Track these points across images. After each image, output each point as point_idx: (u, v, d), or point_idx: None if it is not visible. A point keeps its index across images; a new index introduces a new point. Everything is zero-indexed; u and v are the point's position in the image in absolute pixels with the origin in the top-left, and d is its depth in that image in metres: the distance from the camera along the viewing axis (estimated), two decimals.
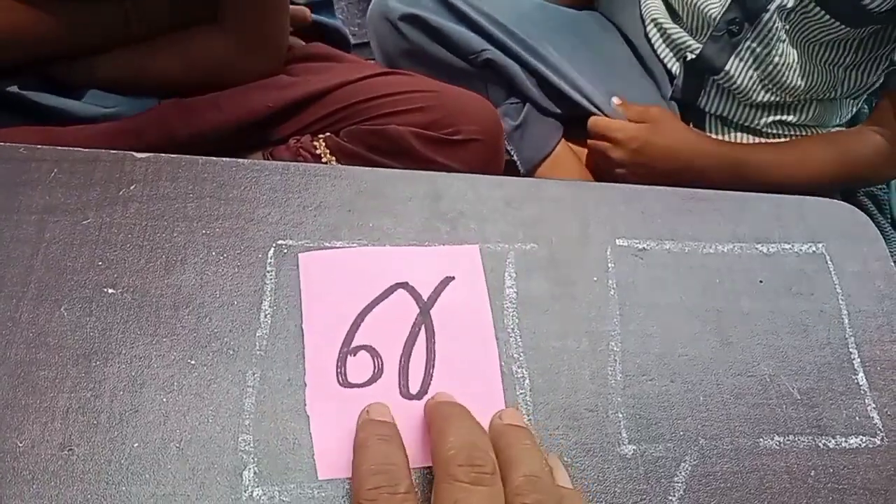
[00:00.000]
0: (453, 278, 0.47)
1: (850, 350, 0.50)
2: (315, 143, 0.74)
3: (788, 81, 0.79)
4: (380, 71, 0.77)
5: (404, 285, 0.46)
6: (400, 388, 0.43)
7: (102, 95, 0.75)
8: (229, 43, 0.67)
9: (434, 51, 0.86)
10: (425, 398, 0.43)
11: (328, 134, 0.74)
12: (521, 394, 0.45)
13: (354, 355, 0.44)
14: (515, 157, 0.86)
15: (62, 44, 0.67)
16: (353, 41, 0.98)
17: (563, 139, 0.89)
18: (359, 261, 0.47)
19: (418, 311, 0.46)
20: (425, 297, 0.46)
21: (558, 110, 0.87)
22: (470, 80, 0.86)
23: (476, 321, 0.46)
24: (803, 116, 0.84)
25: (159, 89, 0.73)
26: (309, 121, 0.75)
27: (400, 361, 0.44)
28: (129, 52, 0.69)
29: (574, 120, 0.89)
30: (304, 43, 0.80)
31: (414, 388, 0.44)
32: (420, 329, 0.45)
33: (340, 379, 0.43)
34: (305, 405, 0.42)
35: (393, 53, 0.90)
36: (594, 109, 0.85)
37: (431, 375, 0.44)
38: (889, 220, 0.96)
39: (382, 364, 0.44)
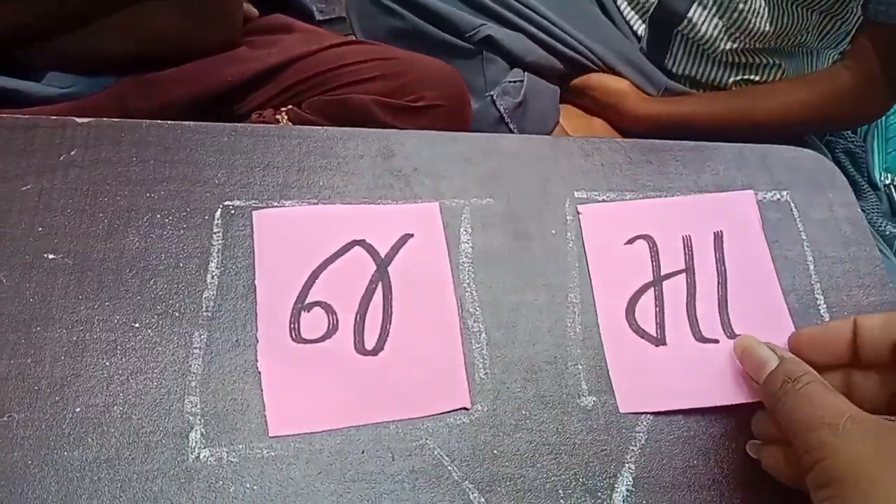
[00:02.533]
0: (412, 235, 0.46)
1: (816, 296, 0.49)
2: (277, 116, 0.73)
3: (755, 27, 0.77)
4: (340, 41, 0.75)
5: (361, 242, 0.45)
6: (355, 344, 0.43)
7: (61, 76, 0.73)
8: (174, 14, 0.65)
9: (427, 30, 0.84)
10: (381, 354, 0.42)
11: (290, 106, 0.73)
12: (477, 348, 0.44)
13: (308, 311, 0.43)
14: (518, 134, 0.84)
15: (13, 21, 0.66)
16: (318, 17, 0.96)
17: (560, 112, 0.87)
18: (315, 218, 0.46)
19: (375, 267, 0.45)
20: (382, 255, 0.45)
21: (561, 66, 0.85)
22: (467, 59, 0.84)
23: (435, 278, 0.45)
24: (773, 76, 0.83)
25: (115, 67, 0.71)
26: (271, 94, 0.74)
27: (355, 318, 0.43)
28: (83, 31, 0.67)
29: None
30: (257, 13, 0.79)
31: (369, 344, 0.43)
32: (377, 286, 0.44)
33: (293, 335, 0.42)
34: (256, 361, 0.41)
35: (378, 33, 0.87)
36: (601, 65, 0.84)
37: (388, 331, 0.43)
38: (866, 178, 0.95)
39: (337, 320, 0.43)
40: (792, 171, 0.54)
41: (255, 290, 0.43)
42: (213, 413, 0.39)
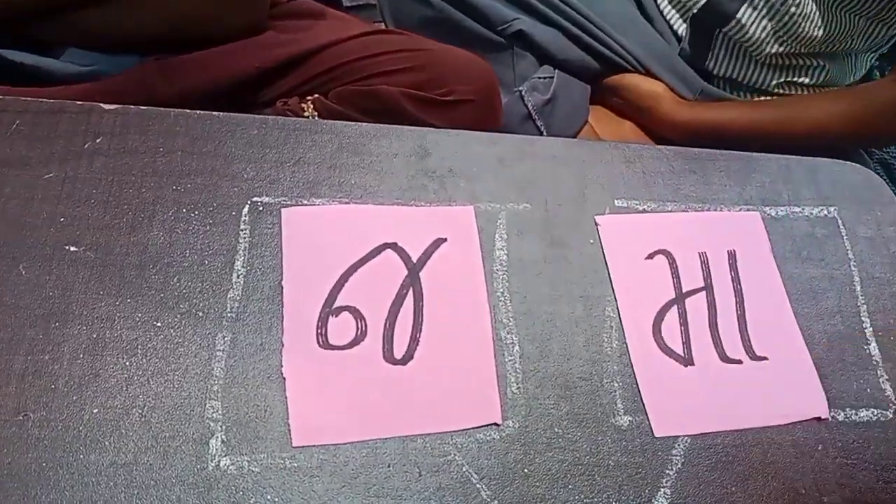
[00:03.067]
0: (445, 240, 0.45)
1: (863, 318, 0.47)
2: (303, 104, 0.71)
3: (805, 32, 0.74)
4: (370, 29, 0.73)
5: (393, 245, 0.44)
6: (384, 352, 0.41)
7: (81, 54, 0.71)
8: None
9: (459, 20, 0.81)
10: (410, 364, 0.41)
11: (316, 96, 0.71)
12: (510, 360, 0.42)
13: (336, 316, 0.41)
14: (545, 133, 0.82)
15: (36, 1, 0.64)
16: (346, 3, 0.94)
17: (589, 112, 0.85)
18: (346, 218, 0.44)
19: (407, 272, 0.43)
20: (415, 259, 0.44)
21: (595, 65, 0.82)
22: (498, 53, 0.82)
23: (468, 285, 0.44)
24: (816, 78, 0.80)
25: (140, 46, 0.69)
26: (297, 82, 0.71)
27: (385, 324, 0.41)
28: (108, 6, 0.65)
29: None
30: None
31: (399, 352, 0.41)
32: (408, 291, 0.43)
33: (320, 340, 0.40)
34: (282, 366, 0.39)
35: (408, 22, 0.85)
36: (636, 66, 0.81)
37: (418, 340, 0.41)
38: None
39: (366, 326, 0.41)
40: (839, 185, 0.52)
41: (281, 291, 0.41)
42: (236, 420, 0.38)
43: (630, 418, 0.41)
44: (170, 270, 0.41)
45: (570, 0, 0.80)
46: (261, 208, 0.44)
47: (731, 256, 0.47)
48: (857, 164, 0.54)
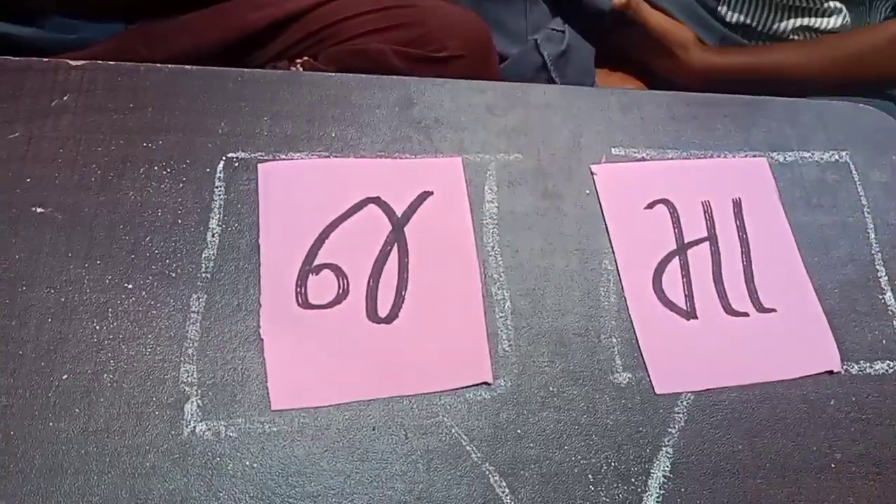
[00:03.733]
0: (431, 193, 0.42)
1: (877, 267, 0.45)
2: (293, 67, 0.68)
3: None
4: None
5: (376, 200, 0.42)
6: (367, 310, 0.39)
7: (66, 23, 0.69)
8: None
9: None
10: (395, 322, 0.39)
11: (305, 58, 0.68)
12: (501, 317, 0.40)
13: (317, 274, 0.39)
14: (559, 83, 0.79)
15: None
16: None
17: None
18: (326, 172, 0.42)
19: (391, 228, 0.41)
20: (399, 213, 0.42)
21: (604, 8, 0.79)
22: (510, 1, 0.79)
23: (456, 240, 0.41)
24: (831, 23, 0.76)
25: (123, 11, 0.67)
26: (285, 45, 0.69)
27: (368, 282, 0.39)
28: None
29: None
30: None
31: (383, 311, 0.39)
32: (392, 248, 0.41)
33: (300, 299, 0.38)
34: (259, 327, 0.37)
35: None
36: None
37: (403, 298, 0.39)
38: None
39: (348, 284, 0.39)
40: (850, 129, 0.49)
41: (258, 249, 0.39)
42: (211, 383, 0.36)
43: (629, 375, 0.39)
44: (141, 230, 0.39)
45: None
46: (236, 164, 0.42)
47: (737, 205, 0.45)
48: (869, 106, 0.51)
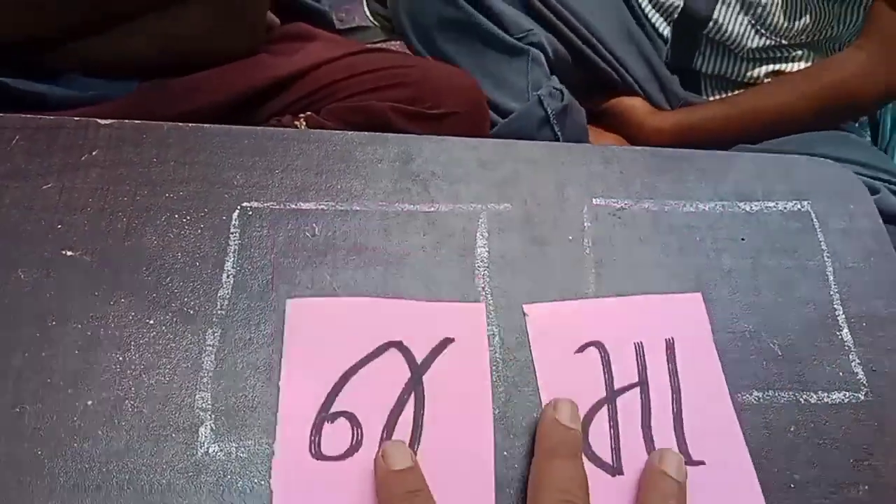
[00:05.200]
0: (452, 340, 0.43)
1: (835, 306, 0.49)
2: (296, 122, 0.73)
3: (781, 23, 0.77)
4: (360, 49, 0.76)
5: (398, 344, 0.42)
6: None
7: (84, 82, 0.74)
8: (199, 20, 0.67)
9: (479, 22, 0.84)
10: None
11: (309, 113, 0.74)
12: (491, 350, 0.43)
13: (332, 422, 0.39)
14: (561, 139, 0.84)
15: (42, 24, 0.67)
16: (338, 26, 0.97)
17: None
18: (351, 312, 0.43)
19: (409, 375, 0.41)
20: (419, 360, 0.42)
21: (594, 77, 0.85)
22: (513, 58, 0.84)
23: (472, 395, 0.41)
24: (800, 67, 0.82)
25: (140, 71, 0.72)
26: (289, 100, 0.74)
27: (382, 434, 0.39)
28: (109, 34, 0.69)
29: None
30: (278, 21, 0.80)
31: None
32: (409, 397, 0.40)
33: (313, 449, 0.38)
34: (270, 477, 0.37)
35: (428, 20, 0.87)
36: (629, 80, 0.84)
37: (416, 452, 0.39)
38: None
39: (362, 434, 0.39)
40: (813, 181, 0.54)
41: (278, 389, 0.40)
42: (224, 409, 0.39)
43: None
44: (162, 272, 0.43)
45: (573, 10, 0.83)
46: (250, 213, 0.46)
47: (670, 346, 0.44)
48: (831, 161, 0.55)
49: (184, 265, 0.44)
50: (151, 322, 0.41)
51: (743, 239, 0.51)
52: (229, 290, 0.43)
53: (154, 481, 0.37)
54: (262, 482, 0.38)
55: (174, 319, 0.42)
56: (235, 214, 0.46)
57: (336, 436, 0.38)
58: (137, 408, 0.39)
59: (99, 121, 0.48)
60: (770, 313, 0.47)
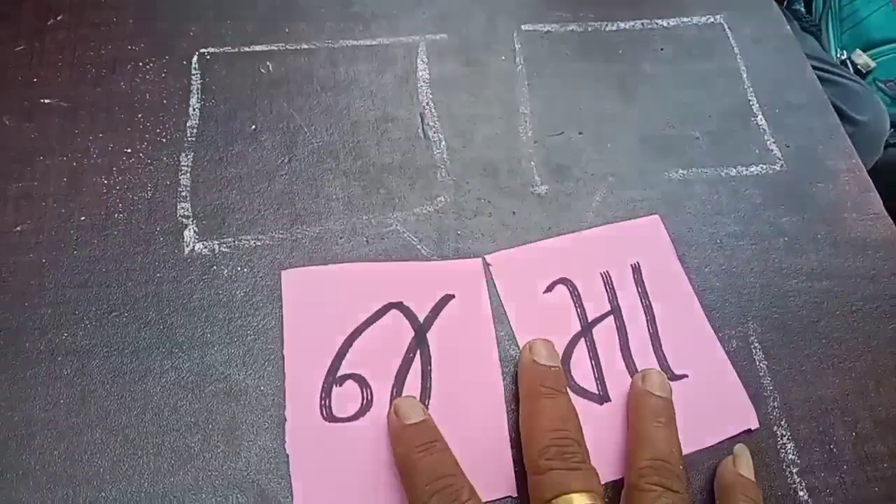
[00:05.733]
0: (453, 296, 0.43)
1: (750, 98, 0.54)
2: None
3: None
4: None
5: (398, 305, 0.42)
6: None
7: None
8: None
9: None
10: None
11: None
12: (438, 153, 0.48)
13: (340, 385, 0.39)
14: None
15: None
16: None
17: None
18: (348, 278, 0.42)
19: (413, 333, 0.41)
20: (421, 319, 0.42)
21: None
22: None
23: (477, 346, 0.41)
24: None
25: None
26: None
27: (391, 392, 0.39)
28: None
29: None
30: None
31: None
32: (415, 354, 0.40)
33: (325, 413, 0.38)
34: (285, 443, 0.38)
35: None
36: None
37: (427, 406, 0.39)
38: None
39: (372, 395, 0.39)
40: None
41: (282, 358, 0.40)
42: (203, 215, 0.44)
43: (547, 187, 0.48)
44: (134, 110, 0.48)
45: None
46: (208, 57, 0.50)
47: (636, 270, 0.45)
48: None
49: (152, 104, 0.48)
50: (129, 150, 0.46)
51: (662, 49, 0.56)
52: (197, 120, 0.48)
53: (149, 276, 0.42)
54: (244, 268, 0.43)
55: (149, 147, 0.46)
56: (195, 59, 0.50)
57: (346, 398, 0.39)
58: (126, 219, 0.44)
59: None
60: (690, 106, 0.53)
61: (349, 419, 0.38)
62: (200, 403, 0.38)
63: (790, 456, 0.41)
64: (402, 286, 0.42)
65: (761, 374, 0.43)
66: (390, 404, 0.38)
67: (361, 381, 0.39)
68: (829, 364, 0.44)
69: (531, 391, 0.37)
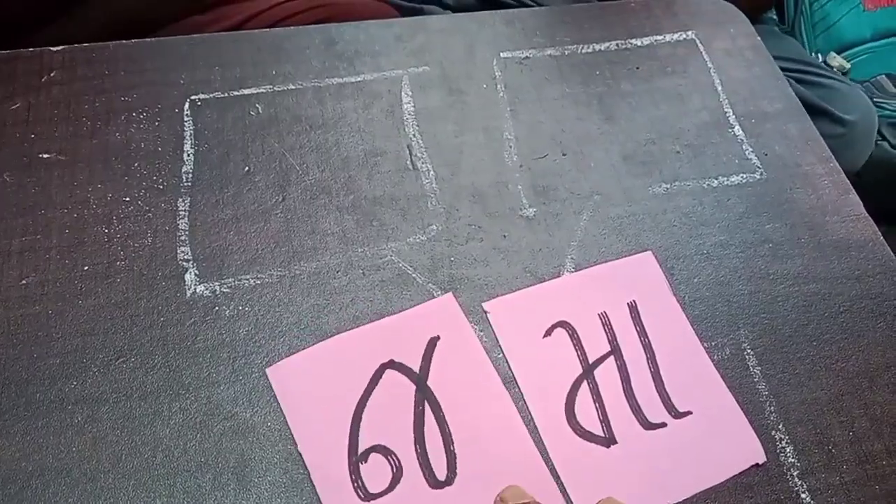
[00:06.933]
0: (438, 337, 0.43)
1: (726, 109, 0.56)
2: None
3: None
4: None
5: (390, 364, 0.42)
6: (426, 479, 0.39)
7: None
8: None
9: None
10: (456, 481, 0.39)
11: None
12: (427, 183, 0.50)
13: (366, 461, 0.39)
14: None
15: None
16: None
17: None
18: (331, 356, 0.42)
19: (415, 387, 0.41)
20: (417, 369, 0.42)
21: None
22: None
23: (477, 378, 0.42)
24: None
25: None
26: None
27: (416, 450, 0.39)
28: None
29: None
30: None
31: (441, 473, 0.39)
32: (423, 406, 0.40)
33: (360, 493, 0.38)
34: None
35: None
36: None
37: (454, 454, 0.39)
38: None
39: (399, 461, 0.39)
40: (695, 14, 0.61)
41: (299, 454, 0.40)
42: (203, 258, 0.45)
43: (535, 209, 0.49)
44: (130, 160, 0.49)
45: None
46: (199, 103, 0.52)
47: (633, 309, 0.45)
48: None
49: (147, 152, 0.49)
50: (128, 199, 0.47)
51: (637, 67, 0.57)
52: (192, 166, 0.49)
53: (153, 320, 0.43)
54: (245, 307, 0.44)
55: (147, 195, 0.48)
56: (186, 106, 0.52)
57: (376, 471, 0.38)
58: (128, 266, 0.45)
59: (52, 49, 0.53)
60: (668, 122, 0.54)
61: (386, 492, 0.38)
62: (210, 443, 0.39)
63: (790, 459, 0.41)
64: (387, 344, 0.42)
65: (756, 379, 0.44)
66: (419, 463, 0.39)
67: (385, 451, 0.39)
68: (823, 365, 0.45)
69: None
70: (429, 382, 0.41)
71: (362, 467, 0.38)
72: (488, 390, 0.41)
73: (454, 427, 0.39)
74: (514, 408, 0.41)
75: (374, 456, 0.39)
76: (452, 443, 0.39)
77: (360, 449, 0.39)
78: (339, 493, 0.37)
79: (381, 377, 0.41)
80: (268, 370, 0.42)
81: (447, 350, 0.42)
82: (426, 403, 0.40)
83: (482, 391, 0.41)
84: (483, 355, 0.43)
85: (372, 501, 0.38)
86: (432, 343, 0.42)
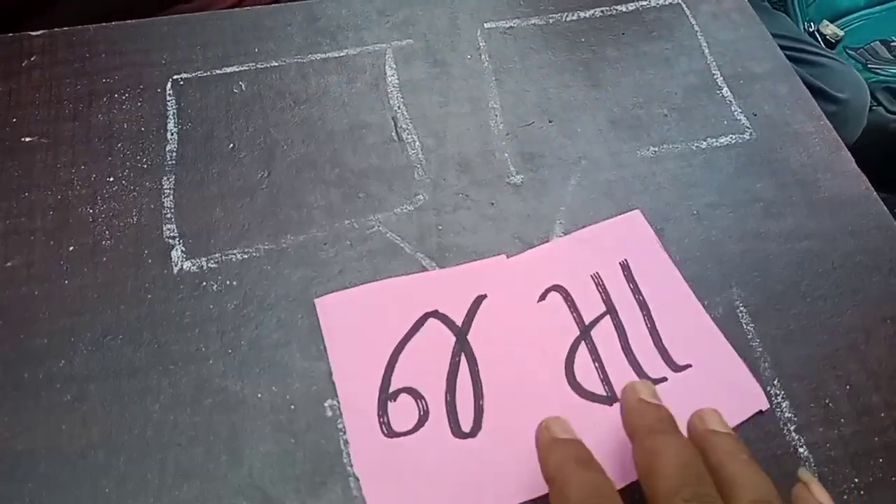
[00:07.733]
0: (485, 296, 0.43)
1: (713, 72, 0.55)
2: None
3: None
4: None
5: (434, 314, 0.42)
6: (451, 427, 0.39)
7: None
8: None
9: None
10: (480, 434, 0.39)
11: None
12: (413, 153, 0.49)
13: (395, 400, 0.40)
14: None
15: None
16: None
17: None
18: (379, 297, 0.43)
19: (455, 338, 0.42)
20: (459, 323, 0.42)
21: None
22: None
23: (517, 341, 0.42)
24: None
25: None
26: None
27: (445, 398, 0.40)
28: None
29: None
30: None
31: (466, 425, 0.39)
32: (460, 358, 0.41)
33: (385, 429, 0.39)
34: (352, 465, 0.38)
35: None
36: None
37: (482, 407, 0.40)
38: None
39: (427, 405, 0.40)
40: None
41: (333, 380, 0.41)
42: (189, 234, 0.45)
43: (522, 176, 0.49)
44: (113, 140, 0.49)
45: None
46: (182, 83, 0.52)
47: (625, 268, 0.45)
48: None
49: (131, 132, 0.49)
50: (112, 179, 0.47)
51: (623, 33, 0.57)
52: (175, 144, 0.49)
53: (142, 297, 0.43)
54: (233, 281, 0.43)
55: (132, 174, 0.47)
56: (168, 86, 0.51)
57: (403, 412, 0.39)
58: (114, 245, 0.45)
59: (31, 33, 0.53)
60: (656, 86, 0.54)
61: (410, 432, 0.39)
62: (200, 417, 0.39)
63: (787, 414, 0.41)
64: (434, 295, 0.43)
65: (749, 336, 0.43)
66: (446, 411, 0.39)
67: (414, 393, 0.40)
68: (817, 322, 0.44)
69: (647, 428, 0.35)
70: (469, 336, 0.41)
71: (390, 405, 0.39)
72: (525, 354, 0.42)
73: (486, 383, 0.40)
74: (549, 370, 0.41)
75: (403, 396, 0.39)
76: (482, 397, 0.40)
77: (392, 388, 0.40)
78: (365, 427, 0.39)
79: (423, 324, 0.42)
80: (316, 300, 0.42)
81: (492, 309, 0.43)
82: (462, 356, 0.41)
83: (519, 354, 0.41)
84: (526, 320, 0.43)
85: (395, 438, 0.38)
86: (478, 300, 0.43)
